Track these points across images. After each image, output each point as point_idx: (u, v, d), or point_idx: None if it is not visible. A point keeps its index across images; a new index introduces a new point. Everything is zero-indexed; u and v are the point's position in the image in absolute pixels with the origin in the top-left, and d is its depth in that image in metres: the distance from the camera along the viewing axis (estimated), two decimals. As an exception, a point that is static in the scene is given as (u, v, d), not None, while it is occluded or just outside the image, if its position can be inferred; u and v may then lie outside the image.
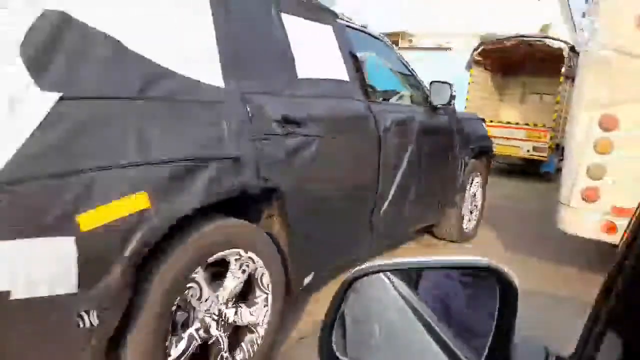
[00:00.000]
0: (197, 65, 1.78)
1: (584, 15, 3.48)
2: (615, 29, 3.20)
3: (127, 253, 1.44)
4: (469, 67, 9.19)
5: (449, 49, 30.47)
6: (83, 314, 1.39)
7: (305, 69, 2.34)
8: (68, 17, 1.41)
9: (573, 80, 4.85)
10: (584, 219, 3.39)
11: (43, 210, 1.28)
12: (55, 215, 1.29)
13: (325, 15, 2.69)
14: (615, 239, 3.28)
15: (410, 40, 37.31)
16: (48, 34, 1.36)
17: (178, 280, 1.64)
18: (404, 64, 3.64)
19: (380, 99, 3.35)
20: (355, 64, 2.82)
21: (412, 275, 0.84)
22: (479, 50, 9.06)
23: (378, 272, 0.79)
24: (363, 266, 0.78)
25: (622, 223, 3.20)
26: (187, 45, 1.78)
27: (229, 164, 1.80)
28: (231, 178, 1.80)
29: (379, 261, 0.79)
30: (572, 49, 7.98)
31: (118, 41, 1.53)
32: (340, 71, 2.65)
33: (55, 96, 1.32)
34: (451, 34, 34.07)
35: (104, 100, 1.47)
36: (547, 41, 8.53)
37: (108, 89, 1.49)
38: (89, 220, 1.35)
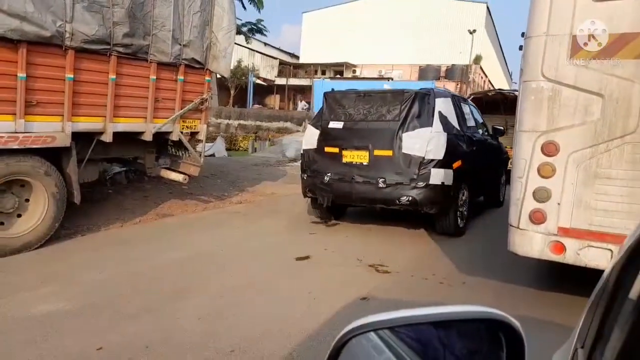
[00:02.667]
0: (456, 124, 6.18)
1: (520, 48, 3.71)
2: (548, 61, 3.44)
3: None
4: None
5: (391, 78, 32.14)
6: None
7: (468, 122, 6.65)
8: (441, 114, 5.86)
9: None
10: (533, 240, 3.53)
11: (427, 165, 5.55)
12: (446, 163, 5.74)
13: (467, 100, 7.55)
14: (562, 258, 3.43)
15: (354, 71, 38.70)
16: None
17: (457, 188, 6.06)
18: (479, 114, 7.76)
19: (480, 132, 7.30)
20: (475, 117, 7.15)
21: (406, 330, 0.78)
22: (470, 98, 12.35)
23: (368, 331, 0.72)
24: (349, 327, 0.72)
25: (569, 243, 3.36)
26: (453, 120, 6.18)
27: (469, 154, 6.23)
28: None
29: (369, 317, 0.73)
30: None
31: (446, 117, 5.90)
32: (473, 121, 6.96)
33: (445, 134, 5.68)
34: (391, 64, 35.75)
35: (452, 134, 5.87)
36: (516, 93, 11.50)
37: (451, 131, 5.88)
38: (455, 165, 5.82)
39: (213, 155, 14.61)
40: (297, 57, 42.46)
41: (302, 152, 6.43)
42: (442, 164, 5.55)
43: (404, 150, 5.54)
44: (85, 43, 5.13)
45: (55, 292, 3.77)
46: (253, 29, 14.16)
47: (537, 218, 3.47)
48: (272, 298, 3.84)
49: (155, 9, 5.87)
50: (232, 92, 32.22)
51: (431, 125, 5.61)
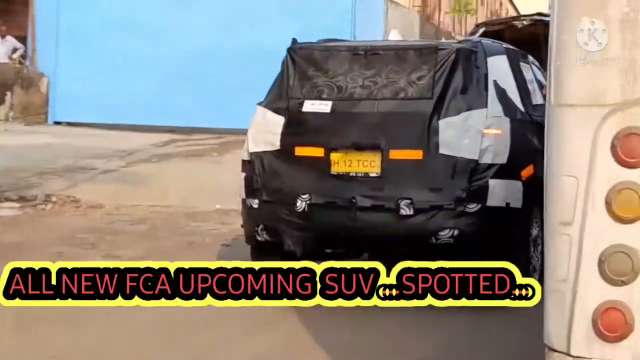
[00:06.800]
0: (519, 102, 3.97)
1: None
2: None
3: None
4: None
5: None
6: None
7: (533, 95, 4.21)
8: (498, 85, 3.69)
9: None
10: None
11: (483, 174, 3.41)
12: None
13: (526, 56, 4.54)
14: None
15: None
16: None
17: None
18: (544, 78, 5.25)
19: None
20: (540, 86, 4.26)
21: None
22: (479, 32, 7.03)
23: None
24: None
25: None
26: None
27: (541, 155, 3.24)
28: None
29: None
30: None
31: (505, 90, 3.73)
32: (540, 94, 4.20)
33: (508, 120, 3.59)
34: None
35: (517, 120, 3.72)
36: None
37: (514, 115, 3.76)
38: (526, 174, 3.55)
39: None
40: None
41: (247, 158, 3.78)
42: (507, 171, 3.45)
43: (443, 150, 3.41)
44: None
45: None
46: None
47: (610, 326, 1.37)
48: None
49: None
50: None
51: (486, 106, 3.51)
